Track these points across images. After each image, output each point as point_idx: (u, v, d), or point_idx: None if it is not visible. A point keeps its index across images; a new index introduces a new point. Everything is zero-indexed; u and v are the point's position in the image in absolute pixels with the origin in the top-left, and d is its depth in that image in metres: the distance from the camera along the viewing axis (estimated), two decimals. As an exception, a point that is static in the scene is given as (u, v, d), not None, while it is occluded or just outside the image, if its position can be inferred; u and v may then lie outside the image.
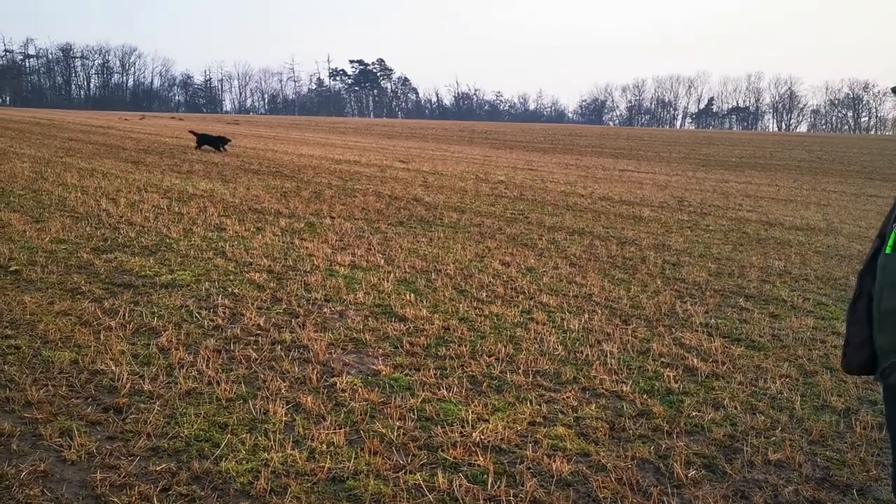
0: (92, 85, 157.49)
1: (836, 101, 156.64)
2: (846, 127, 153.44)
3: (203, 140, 21.69)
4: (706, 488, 3.76)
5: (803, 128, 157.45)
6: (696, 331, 6.58)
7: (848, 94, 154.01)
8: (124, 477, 3.61)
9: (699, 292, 8.09)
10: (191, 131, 22.95)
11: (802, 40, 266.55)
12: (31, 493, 3.43)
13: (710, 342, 6.24)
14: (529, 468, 3.94)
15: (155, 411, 4.36)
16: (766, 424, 4.62)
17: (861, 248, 11.71)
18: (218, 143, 23.87)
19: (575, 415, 4.66)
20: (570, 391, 5.01)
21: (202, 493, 3.52)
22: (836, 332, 6.76)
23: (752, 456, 4.19)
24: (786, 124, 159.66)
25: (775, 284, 8.68)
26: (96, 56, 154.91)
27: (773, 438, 4.43)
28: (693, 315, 7.07)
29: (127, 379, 4.81)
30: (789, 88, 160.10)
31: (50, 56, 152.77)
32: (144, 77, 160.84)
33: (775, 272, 9.40)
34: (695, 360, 5.75)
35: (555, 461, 3.98)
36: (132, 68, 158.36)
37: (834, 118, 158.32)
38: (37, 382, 4.71)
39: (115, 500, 3.42)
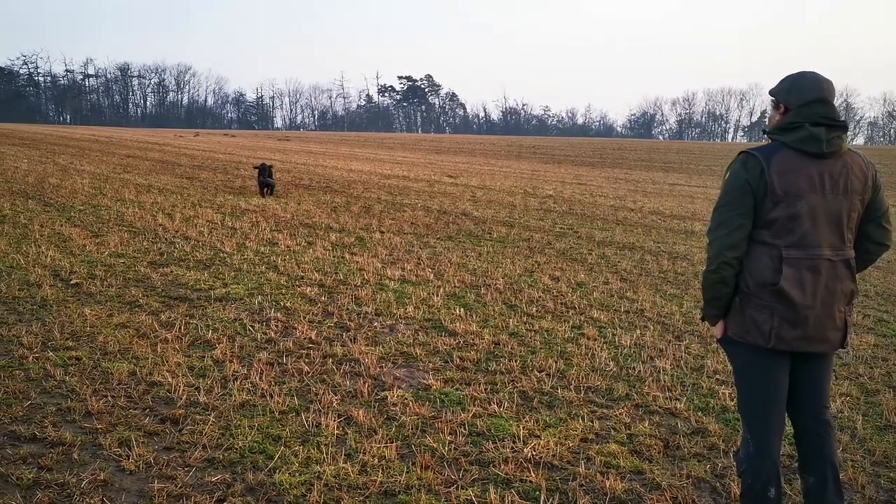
0: (148, 103, 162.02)
1: (894, 113, 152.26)
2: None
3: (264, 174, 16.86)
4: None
5: (860, 140, 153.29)
6: (752, 348, 6.42)
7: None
8: (181, 487, 3.68)
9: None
10: (256, 167, 17.54)
11: (859, 51, 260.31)
12: (91, 501, 3.52)
13: (766, 359, 6.08)
14: (582, 485, 3.89)
15: (210, 423, 4.44)
16: (828, 445, 4.47)
17: (924, 263, 11.32)
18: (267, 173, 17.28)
19: (628, 432, 4.59)
20: (622, 408, 4.94)
21: (256, 505, 3.56)
22: (900, 350, 6.54)
23: (813, 477, 4.05)
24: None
25: (834, 300, 8.43)
26: (153, 75, 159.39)
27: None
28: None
29: (183, 390, 4.90)
30: (845, 100, 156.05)
31: (108, 75, 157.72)
32: (198, 95, 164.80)
33: (834, 288, 9.14)
34: (751, 377, 5.61)
35: (608, 479, 3.92)
36: (187, 86, 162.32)
37: (892, 130, 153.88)
38: (97, 393, 4.83)
39: (173, 509, 3.48)
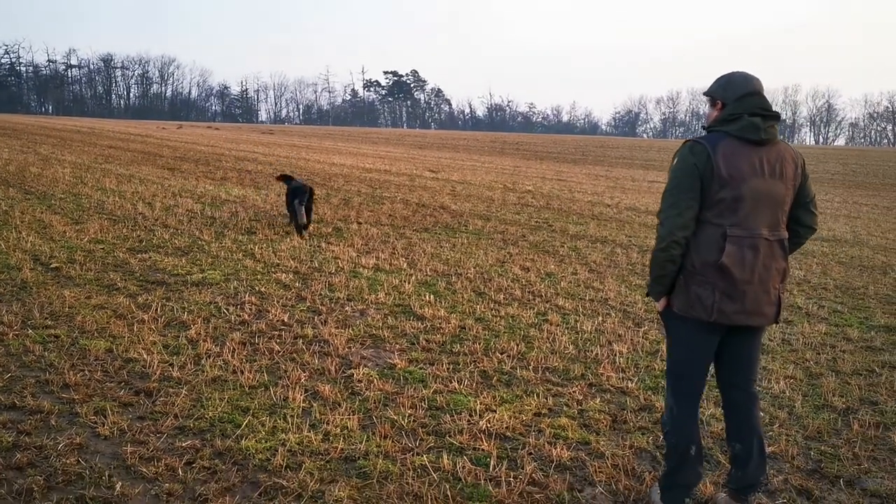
0: (131, 94, 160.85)
1: (875, 115, 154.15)
2: (885, 140, 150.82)
3: (295, 193, 10.87)
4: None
5: (841, 141, 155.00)
6: (708, 334, 6.72)
7: (887, 107, 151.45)
8: (152, 451, 3.91)
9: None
10: (281, 177, 12.24)
11: (840, 53, 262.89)
12: (68, 461, 3.74)
13: (719, 345, 6.38)
14: (531, 453, 4.16)
15: (182, 395, 4.67)
16: (765, 420, 4.77)
17: (885, 259, 11.70)
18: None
19: (579, 408, 4.87)
20: (576, 386, 5.22)
21: (223, 467, 3.80)
22: (847, 337, 6.87)
23: (747, 448, 4.34)
24: (823, 137, 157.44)
25: (793, 293, 8.77)
26: (136, 66, 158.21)
27: (771, 433, 4.58)
28: (706, 319, 7.21)
29: (157, 366, 5.13)
30: (827, 101, 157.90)
31: (91, 66, 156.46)
32: (182, 87, 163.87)
33: (794, 281, 9.48)
34: (702, 360, 5.90)
35: (555, 448, 4.19)
36: (170, 79, 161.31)
37: (873, 132, 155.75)
38: (74, 367, 5.05)
39: (144, 470, 3.71)
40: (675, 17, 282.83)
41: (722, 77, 3.52)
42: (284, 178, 11.99)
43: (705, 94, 3.59)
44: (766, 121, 3.36)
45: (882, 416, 4.96)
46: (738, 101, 3.38)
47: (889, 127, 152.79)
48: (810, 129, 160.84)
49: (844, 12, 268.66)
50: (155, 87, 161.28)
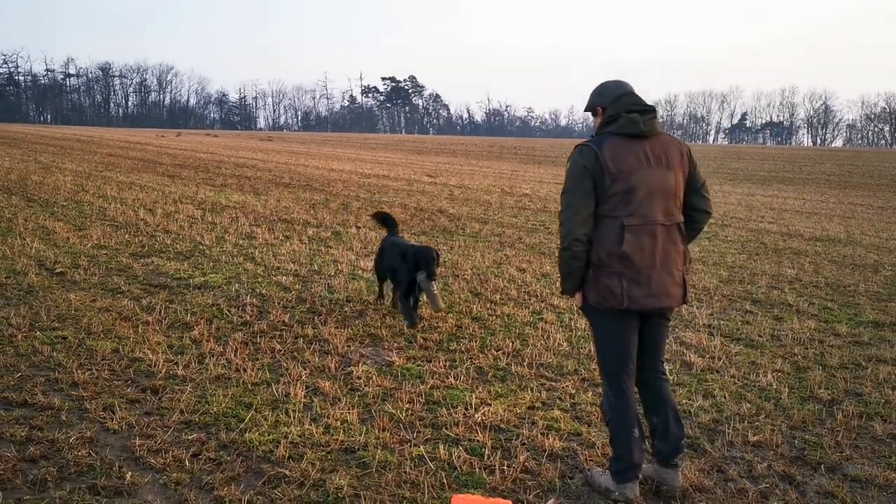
0: (130, 103, 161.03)
1: (873, 116, 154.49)
2: (882, 141, 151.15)
3: (415, 259, 6.59)
4: (685, 463, 4.08)
5: (839, 142, 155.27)
6: (699, 331, 6.89)
7: (884, 108, 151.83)
8: (160, 444, 4.07)
9: (707, 297, 8.38)
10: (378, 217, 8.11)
11: (837, 54, 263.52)
12: (79, 454, 3.90)
13: (710, 341, 6.55)
14: (524, 444, 4.31)
15: (187, 392, 4.82)
16: (752, 411, 4.94)
17: (878, 257, 11.86)
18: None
19: (572, 401, 5.03)
20: (569, 381, 5.37)
21: (228, 458, 3.96)
22: (836, 333, 7.03)
23: (732, 437, 4.51)
24: (821, 139, 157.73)
25: (784, 290, 8.93)
26: (134, 75, 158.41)
27: (756, 423, 4.74)
28: (697, 317, 7.38)
29: (162, 365, 5.29)
30: (824, 103, 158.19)
31: (90, 75, 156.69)
32: (181, 95, 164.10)
33: (786, 279, 9.64)
34: (693, 356, 6.07)
35: (548, 439, 4.35)
36: (169, 87, 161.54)
37: (870, 133, 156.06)
38: (82, 367, 5.21)
39: (152, 461, 3.87)
40: (673, 22, 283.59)
41: (595, 88, 3.84)
42: (383, 221, 7.83)
43: (586, 110, 3.89)
44: (644, 115, 3.63)
45: (866, 407, 5.11)
46: (615, 103, 3.69)
47: (886, 128, 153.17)
48: (807, 131, 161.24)
49: (840, 9, 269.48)
50: (153, 95, 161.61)
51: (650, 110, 3.67)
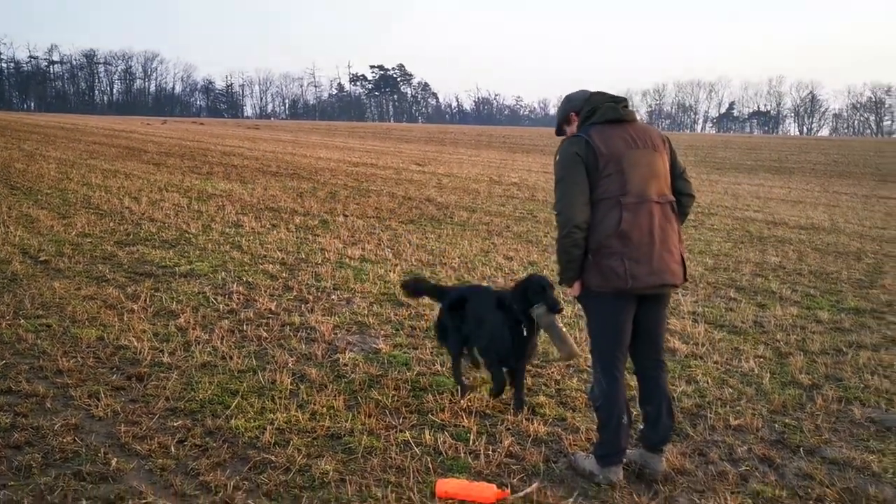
0: (115, 90, 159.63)
1: (859, 105, 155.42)
2: (868, 130, 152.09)
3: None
4: (668, 446, 4.12)
5: (825, 132, 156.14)
6: (683, 318, 6.95)
7: (870, 97, 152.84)
8: (145, 430, 4.08)
9: (692, 284, 8.44)
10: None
11: (824, 43, 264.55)
12: (65, 440, 3.91)
13: (694, 327, 6.61)
14: (509, 429, 4.35)
15: (173, 379, 4.83)
16: (733, 396, 5.00)
17: (860, 245, 11.97)
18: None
19: (557, 387, 5.07)
20: (555, 367, 5.41)
21: (214, 445, 3.97)
22: (818, 319, 7.10)
23: (714, 421, 4.57)
24: (807, 128, 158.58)
25: (767, 278, 9.01)
26: (119, 62, 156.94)
27: (738, 408, 4.80)
28: (682, 304, 7.43)
29: (148, 352, 5.29)
30: (811, 92, 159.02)
31: (74, 62, 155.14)
32: (166, 82, 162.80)
33: (770, 267, 9.72)
34: (677, 342, 6.12)
35: (533, 424, 4.39)
36: (154, 74, 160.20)
37: (856, 122, 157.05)
38: (67, 354, 5.20)
39: (138, 447, 3.88)
40: (662, 9, 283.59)
41: (561, 103, 4.00)
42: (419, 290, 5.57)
43: (558, 126, 4.01)
44: (618, 103, 3.75)
45: (845, 392, 5.18)
46: (588, 101, 3.84)
47: (872, 117, 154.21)
48: (794, 120, 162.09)
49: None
50: (138, 82, 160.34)
51: (623, 99, 3.78)
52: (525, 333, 4.45)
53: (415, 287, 5.56)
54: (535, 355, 5.00)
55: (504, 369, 4.61)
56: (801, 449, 4.26)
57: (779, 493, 3.74)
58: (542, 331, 4.46)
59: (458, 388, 4.78)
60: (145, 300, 6.66)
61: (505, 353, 4.51)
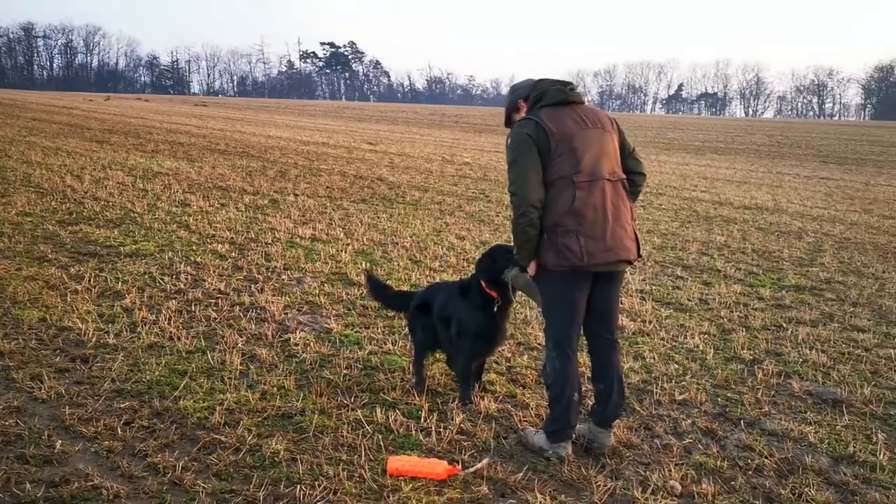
0: (55, 65, 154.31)
1: (802, 88, 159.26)
2: (811, 113, 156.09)
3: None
4: (615, 421, 4.21)
5: (769, 114, 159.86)
6: (631, 296, 7.08)
7: (813, 80, 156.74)
8: (91, 412, 4.01)
9: (640, 263, 8.58)
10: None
11: (770, 26, 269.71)
12: (7, 423, 3.82)
13: (641, 305, 6.74)
14: (459, 406, 4.38)
15: (119, 361, 4.74)
16: (679, 372, 5.13)
17: (802, 225, 12.33)
18: None
19: (508, 364, 5.13)
20: (505, 345, 5.46)
21: (162, 426, 3.92)
22: (760, 297, 7.31)
23: (660, 396, 4.69)
24: (752, 110, 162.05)
25: (713, 256, 9.22)
26: (59, 36, 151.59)
27: (683, 383, 4.93)
28: (631, 282, 7.57)
29: (92, 334, 5.17)
30: (756, 75, 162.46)
31: (11, 35, 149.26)
32: (109, 58, 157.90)
33: (715, 246, 9.95)
34: (625, 319, 6.24)
35: (484, 401, 4.44)
36: (96, 48, 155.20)
37: (799, 104, 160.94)
38: (7, 336, 5.06)
39: (83, 430, 3.81)
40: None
41: (508, 93, 4.09)
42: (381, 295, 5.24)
43: (507, 117, 4.06)
44: (566, 86, 3.82)
45: (784, 366, 5.36)
46: (535, 87, 3.87)
47: (814, 99, 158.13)
48: (740, 102, 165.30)
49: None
50: (80, 57, 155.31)
51: (570, 83, 3.84)
52: (496, 309, 4.31)
53: (378, 294, 5.16)
54: (504, 341, 4.85)
55: (472, 368, 4.47)
56: (742, 421, 4.40)
57: (720, 464, 3.86)
58: (518, 292, 4.33)
59: (416, 383, 4.59)
60: (89, 280, 6.50)
61: (477, 335, 4.33)
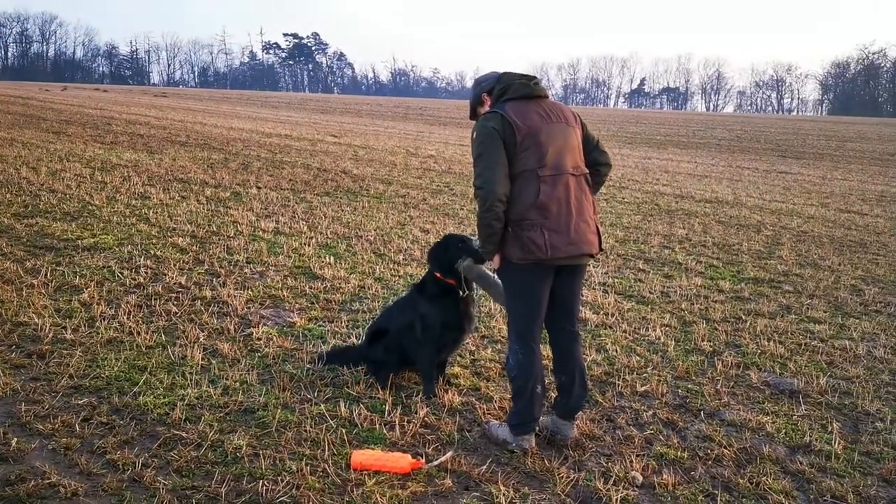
0: (10, 54, 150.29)
1: (761, 83, 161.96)
2: (770, 108, 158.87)
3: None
4: (578, 413, 4.25)
5: (730, 108, 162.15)
6: (594, 289, 7.15)
7: (772, 76, 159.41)
8: (48, 409, 3.93)
9: (603, 256, 8.67)
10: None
11: (730, 21, 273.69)
12: (-41, 422, 3.72)
13: (604, 298, 6.81)
14: (424, 400, 4.38)
15: (77, 356, 4.65)
16: (640, 364, 5.20)
17: (760, 218, 12.55)
18: None
19: (472, 357, 5.14)
20: (469, 338, 5.47)
21: (121, 422, 3.86)
22: (720, 289, 7.44)
23: (622, 388, 4.74)
24: (713, 105, 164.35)
25: (674, 249, 9.35)
26: (14, 24, 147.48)
27: (644, 375, 5.00)
28: (593, 276, 7.64)
29: (49, 329, 5.06)
30: (717, 70, 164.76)
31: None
32: (66, 47, 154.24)
33: (677, 239, 10.09)
34: (588, 312, 6.30)
35: (447, 394, 4.44)
36: (53, 37, 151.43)
37: (759, 99, 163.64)
38: (-40, 332, 4.93)
39: (40, 427, 3.73)
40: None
41: (472, 87, 4.08)
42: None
43: (472, 109, 4.07)
44: (530, 80, 3.84)
45: (743, 357, 5.46)
46: (499, 81, 3.88)
47: (773, 95, 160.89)
48: (701, 97, 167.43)
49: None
50: (35, 46, 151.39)
51: (534, 77, 3.86)
52: (462, 294, 4.33)
53: (338, 358, 4.85)
54: (472, 327, 4.68)
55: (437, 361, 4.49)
56: (701, 412, 4.48)
57: (681, 454, 3.93)
58: (472, 283, 4.35)
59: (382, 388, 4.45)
60: (46, 275, 6.36)
61: (444, 326, 4.35)
